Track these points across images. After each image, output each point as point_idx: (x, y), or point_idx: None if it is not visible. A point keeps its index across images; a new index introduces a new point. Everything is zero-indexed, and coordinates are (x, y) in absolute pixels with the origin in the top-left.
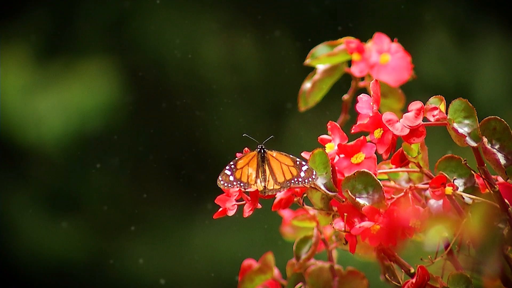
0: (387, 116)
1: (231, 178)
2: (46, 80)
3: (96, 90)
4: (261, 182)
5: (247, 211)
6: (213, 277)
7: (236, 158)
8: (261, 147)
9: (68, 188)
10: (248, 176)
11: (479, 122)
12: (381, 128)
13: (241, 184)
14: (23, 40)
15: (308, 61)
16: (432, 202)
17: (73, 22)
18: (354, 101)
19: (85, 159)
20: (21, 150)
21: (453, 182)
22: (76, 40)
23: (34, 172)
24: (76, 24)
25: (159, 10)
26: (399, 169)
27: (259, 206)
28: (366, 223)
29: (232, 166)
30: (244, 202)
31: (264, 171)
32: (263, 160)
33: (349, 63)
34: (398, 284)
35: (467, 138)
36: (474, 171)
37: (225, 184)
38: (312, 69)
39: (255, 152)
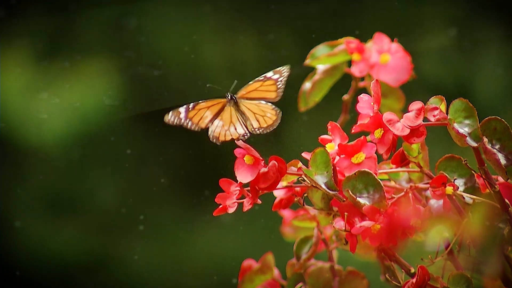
0: (387, 116)
1: (182, 115)
2: (46, 80)
3: (97, 90)
4: (236, 129)
5: (247, 206)
6: (214, 277)
7: (200, 101)
8: (231, 95)
9: (69, 188)
10: (201, 118)
11: (479, 122)
12: (382, 128)
13: (190, 123)
14: (23, 40)
15: (308, 61)
16: (432, 202)
17: (73, 22)
18: (354, 101)
19: (86, 159)
20: (21, 150)
21: (454, 182)
22: (76, 40)
23: (35, 172)
24: (77, 24)
25: (159, 10)
26: (399, 169)
27: (259, 201)
28: (366, 223)
29: (190, 106)
30: (244, 199)
31: (237, 118)
32: (235, 107)
33: (349, 63)
34: (399, 284)
35: (468, 138)
36: (475, 171)
37: (172, 119)
38: (312, 69)
39: (223, 100)
